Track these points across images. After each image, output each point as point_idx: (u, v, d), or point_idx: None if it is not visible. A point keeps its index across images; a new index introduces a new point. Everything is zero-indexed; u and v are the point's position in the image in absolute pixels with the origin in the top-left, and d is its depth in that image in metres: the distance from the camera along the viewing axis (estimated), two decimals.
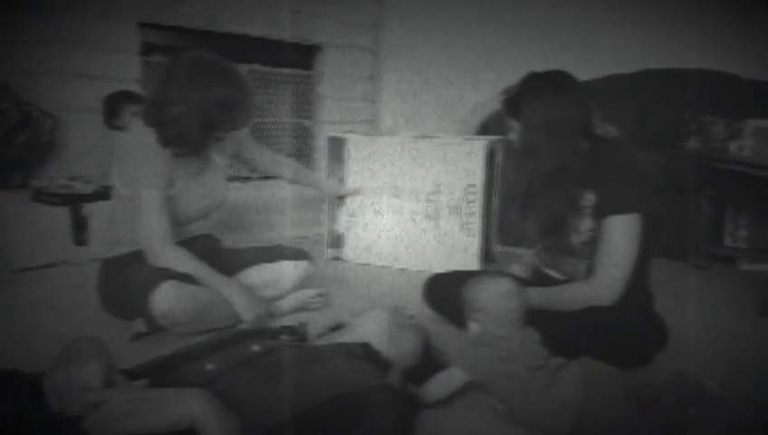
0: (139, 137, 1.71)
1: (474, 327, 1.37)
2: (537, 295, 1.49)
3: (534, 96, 1.53)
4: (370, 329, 1.33)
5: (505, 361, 1.26)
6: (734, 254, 2.83)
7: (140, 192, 1.67)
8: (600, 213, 1.51)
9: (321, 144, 3.67)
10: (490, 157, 2.44)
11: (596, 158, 1.54)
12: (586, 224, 1.55)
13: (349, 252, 2.66)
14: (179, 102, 1.65)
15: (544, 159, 1.51)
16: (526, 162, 1.56)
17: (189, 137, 1.69)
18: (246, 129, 2.02)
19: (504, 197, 1.64)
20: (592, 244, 1.54)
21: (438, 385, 1.30)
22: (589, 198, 1.53)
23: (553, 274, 1.67)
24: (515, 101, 1.57)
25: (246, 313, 1.70)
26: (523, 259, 1.85)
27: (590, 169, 1.53)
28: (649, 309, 1.60)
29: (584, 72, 3.59)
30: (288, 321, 1.63)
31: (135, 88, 2.91)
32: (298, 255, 1.97)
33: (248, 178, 3.28)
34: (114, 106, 2.69)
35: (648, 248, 1.55)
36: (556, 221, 1.57)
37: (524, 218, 1.62)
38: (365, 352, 1.26)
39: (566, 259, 1.63)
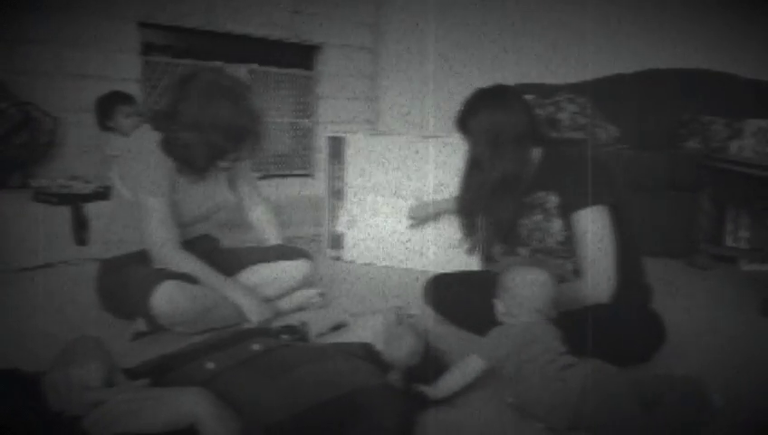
0: (142, 142, 1.71)
1: (505, 311, 1.38)
2: None
3: (477, 111, 1.59)
4: (371, 329, 1.33)
5: (524, 348, 1.27)
6: (734, 254, 2.83)
7: (145, 200, 1.67)
8: (565, 212, 1.55)
9: (320, 144, 3.67)
10: None
11: (552, 160, 1.61)
12: (556, 225, 1.59)
13: (349, 252, 2.66)
14: (189, 128, 1.64)
15: (490, 171, 1.58)
16: (474, 175, 1.63)
17: (195, 163, 1.70)
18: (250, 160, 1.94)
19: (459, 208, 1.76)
20: (569, 243, 1.57)
21: (456, 376, 1.30)
22: (552, 200, 1.58)
23: None
24: (462, 117, 1.62)
25: (254, 315, 1.71)
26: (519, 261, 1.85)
27: (548, 172, 1.59)
28: (647, 303, 1.61)
29: (585, 71, 3.62)
30: (289, 321, 1.63)
31: (135, 88, 2.91)
32: (298, 254, 1.97)
33: None
34: (106, 107, 2.67)
35: (634, 240, 1.58)
36: (507, 229, 1.64)
37: (478, 227, 1.69)
38: (365, 351, 1.26)
39: (551, 261, 1.65)
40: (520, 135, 1.56)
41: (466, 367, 1.30)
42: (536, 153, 1.62)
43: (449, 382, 1.30)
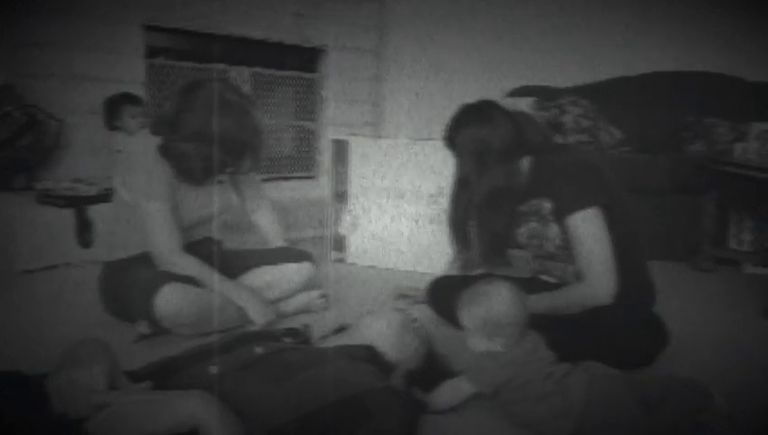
0: (144, 146, 1.71)
1: (478, 342, 1.30)
2: (537, 303, 1.48)
3: (462, 128, 1.59)
4: (374, 331, 1.33)
5: (516, 369, 1.24)
6: (738, 257, 2.82)
7: (146, 204, 1.68)
8: (560, 216, 1.55)
9: (324, 146, 3.68)
10: None
11: (542, 167, 1.60)
12: (553, 230, 1.59)
13: (352, 254, 2.66)
14: (189, 139, 1.65)
15: (478, 187, 1.58)
16: (463, 191, 1.63)
17: (192, 174, 1.71)
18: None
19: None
20: (567, 247, 1.57)
21: (445, 395, 1.29)
22: (546, 206, 1.58)
23: (546, 278, 1.69)
24: (449, 134, 1.63)
25: (258, 317, 1.72)
26: (519, 264, 1.84)
27: (539, 179, 1.59)
28: (652, 303, 1.61)
29: (589, 75, 3.61)
30: (291, 323, 1.63)
31: (140, 90, 2.92)
32: (301, 257, 1.97)
33: None
34: (114, 108, 2.72)
35: (635, 240, 1.58)
36: (501, 241, 1.64)
37: (468, 243, 1.69)
38: (368, 354, 1.26)
39: (552, 264, 1.65)
40: (506, 149, 1.56)
41: (455, 390, 1.28)
42: (526, 162, 1.62)
43: (440, 400, 1.28)
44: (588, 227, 1.50)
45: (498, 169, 1.56)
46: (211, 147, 1.65)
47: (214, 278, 1.71)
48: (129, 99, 2.74)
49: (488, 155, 1.55)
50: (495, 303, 1.28)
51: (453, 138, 1.62)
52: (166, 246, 1.68)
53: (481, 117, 1.58)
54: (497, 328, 1.27)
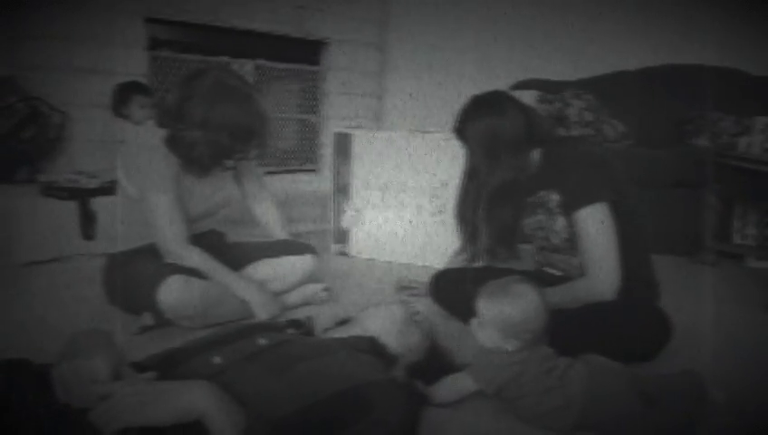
0: (149, 138, 1.72)
1: (489, 338, 1.28)
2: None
3: (473, 119, 1.59)
4: (377, 323, 1.33)
5: (519, 366, 1.24)
6: (741, 251, 2.82)
7: (152, 196, 1.68)
8: (567, 210, 1.54)
9: (326, 140, 3.68)
10: None
11: (551, 159, 1.59)
12: (560, 223, 1.58)
13: (354, 247, 2.66)
14: (196, 127, 1.65)
15: (488, 178, 1.57)
16: (472, 182, 1.64)
17: (200, 162, 1.71)
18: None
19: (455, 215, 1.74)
20: (573, 240, 1.56)
21: (447, 390, 1.29)
22: (554, 199, 1.57)
23: (552, 271, 1.69)
24: (459, 126, 1.62)
25: (262, 311, 1.72)
26: (524, 256, 1.84)
27: (548, 171, 1.58)
28: (655, 300, 1.61)
29: (591, 68, 3.60)
30: (294, 315, 1.63)
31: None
32: (303, 249, 1.97)
33: None
34: (124, 95, 2.73)
35: (641, 236, 1.58)
36: (509, 233, 1.64)
37: (476, 235, 1.68)
38: (371, 346, 1.26)
39: (556, 256, 1.65)
40: (516, 141, 1.55)
41: (457, 385, 1.28)
42: (536, 153, 1.61)
43: (442, 395, 1.28)
44: (595, 223, 1.49)
45: (509, 161, 1.56)
46: (217, 133, 1.66)
47: (218, 270, 1.71)
48: (139, 88, 2.76)
49: (499, 146, 1.55)
50: (527, 307, 1.25)
51: (463, 129, 1.61)
52: (171, 238, 1.69)
53: (492, 108, 1.57)
54: (519, 331, 1.25)
